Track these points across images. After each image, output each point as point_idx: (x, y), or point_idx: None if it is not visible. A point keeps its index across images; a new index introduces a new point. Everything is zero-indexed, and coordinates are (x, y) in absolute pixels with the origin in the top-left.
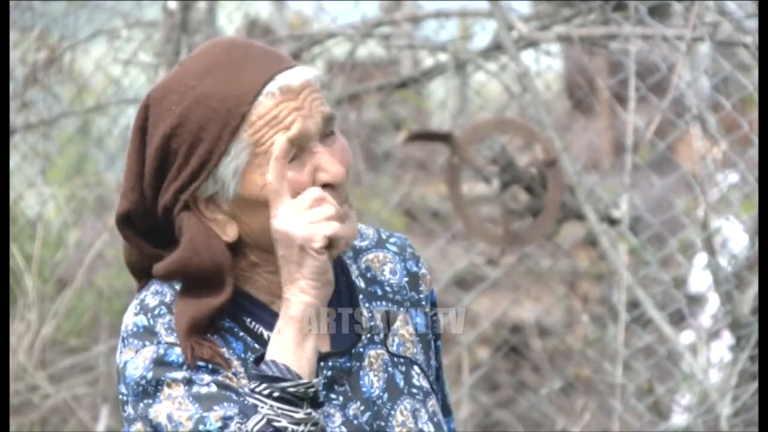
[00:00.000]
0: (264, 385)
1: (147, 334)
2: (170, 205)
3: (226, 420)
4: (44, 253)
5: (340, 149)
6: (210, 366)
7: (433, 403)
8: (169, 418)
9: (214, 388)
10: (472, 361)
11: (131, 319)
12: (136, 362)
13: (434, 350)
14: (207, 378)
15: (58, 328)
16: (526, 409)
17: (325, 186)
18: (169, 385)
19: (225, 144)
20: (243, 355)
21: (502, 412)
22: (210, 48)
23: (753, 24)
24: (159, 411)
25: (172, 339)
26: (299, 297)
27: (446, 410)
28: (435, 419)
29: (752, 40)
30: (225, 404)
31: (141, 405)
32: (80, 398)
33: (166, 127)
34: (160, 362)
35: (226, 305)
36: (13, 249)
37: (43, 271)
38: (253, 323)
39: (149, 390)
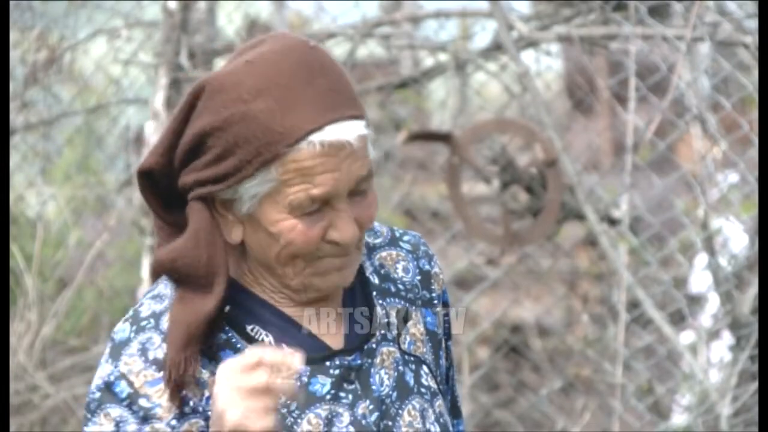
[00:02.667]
0: None
1: (117, 350)
2: (188, 188)
3: None
4: (44, 253)
5: (365, 206)
6: (142, 413)
7: (440, 403)
8: None
9: None
10: (472, 361)
11: (120, 323)
12: (98, 374)
13: (445, 350)
14: (133, 427)
15: (58, 328)
16: (526, 409)
17: (334, 242)
18: (105, 416)
19: (253, 170)
20: None
21: (502, 412)
22: (281, 55)
23: (753, 24)
24: None
25: (127, 367)
26: None
27: (456, 411)
28: (442, 420)
29: (752, 40)
30: None
31: (84, 417)
32: (80, 398)
33: (207, 124)
34: (107, 389)
35: (219, 310)
36: (13, 249)
37: (43, 271)
38: (256, 329)
39: (92, 408)
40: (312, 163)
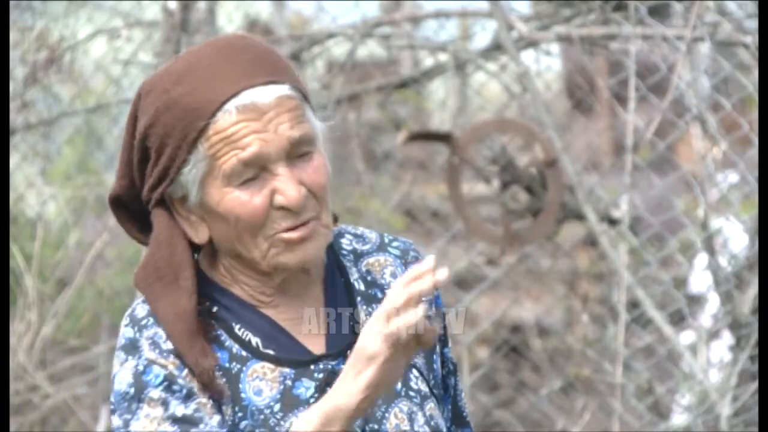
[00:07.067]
0: None
1: (131, 347)
2: (147, 199)
3: None
4: (44, 253)
5: (311, 170)
6: (185, 391)
7: (431, 406)
8: None
9: (189, 411)
10: (472, 361)
11: (122, 330)
12: (120, 377)
13: (441, 357)
14: (180, 402)
15: (58, 328)
16: (526, 409)
17: (284, 209)
18: (148, 404)
19: (184, 154)
20: (228, 365)
21: (502, 412)
22: (204, 46)
23: (753, 24)
24: (138, 428)
25: (153, 355)
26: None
27: (462, 421)
28: (432, 423)
29: (752, 40)
30: (201, 426)
31: (122, 420)
32: (80, 398)
33: (143, 126)
34: (139, 379)
35: (194, 303)
36: (13, 249)
37: (43, 271)
38: (242, 329)
39: (132, 406)
40: (233, 129)
